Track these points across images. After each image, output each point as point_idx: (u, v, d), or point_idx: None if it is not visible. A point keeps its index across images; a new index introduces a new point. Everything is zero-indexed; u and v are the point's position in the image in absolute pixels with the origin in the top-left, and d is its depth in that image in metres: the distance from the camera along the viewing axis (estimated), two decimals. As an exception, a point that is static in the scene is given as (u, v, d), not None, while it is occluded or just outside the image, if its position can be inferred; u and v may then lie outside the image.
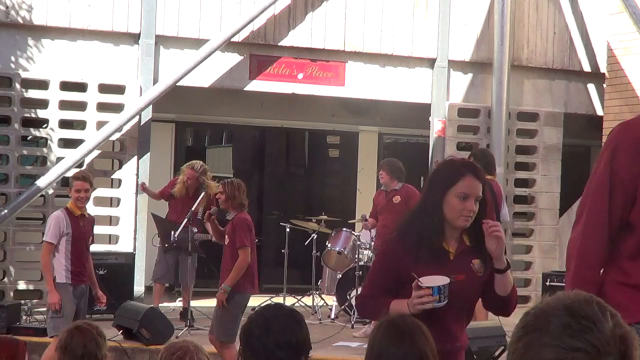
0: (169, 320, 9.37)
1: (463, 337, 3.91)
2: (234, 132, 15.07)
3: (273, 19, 11.59)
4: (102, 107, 11.10)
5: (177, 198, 10.38)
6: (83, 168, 10.87)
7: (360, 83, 12.08)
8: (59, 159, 10.77)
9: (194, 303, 10.25)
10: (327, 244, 10.90)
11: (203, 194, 9.85)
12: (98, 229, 10.97)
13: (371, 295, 3.86)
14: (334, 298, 10.96)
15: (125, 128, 11.01)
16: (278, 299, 10.76)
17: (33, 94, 10.86)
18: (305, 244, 11.16)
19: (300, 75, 11.84)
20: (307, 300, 11.23)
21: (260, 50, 11.71)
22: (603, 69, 12.58)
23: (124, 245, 11.02)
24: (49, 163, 10.88)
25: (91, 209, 10.89)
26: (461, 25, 12.32)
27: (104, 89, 11.07)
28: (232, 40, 11.22)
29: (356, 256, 10.54)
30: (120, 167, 11.23)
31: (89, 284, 7.76)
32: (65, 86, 10.95)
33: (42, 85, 10.88)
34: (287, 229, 11.12)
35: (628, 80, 11.82)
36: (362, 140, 14.61)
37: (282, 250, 11.17)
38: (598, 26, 12.67)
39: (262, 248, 13.09)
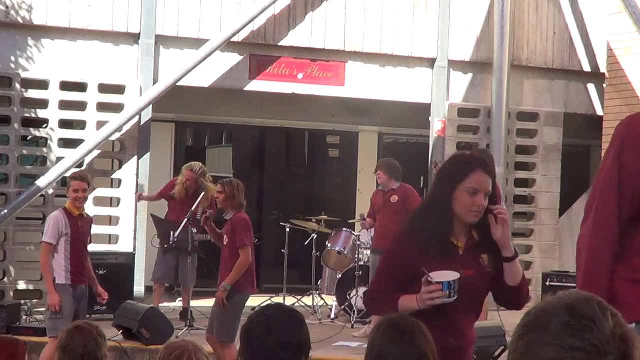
0: (169, 320, 9.37)
1: (472, 333, 3.87)
2: (234, 132, 15.07)
3: (273, 19, 11.59)
4: (102, 107, 11.10)
5: (177, 199, 10.39)
6: (83, 168, 10.88)
7: (360, 83, 12.08)
8: (59, 159, 10.77)
9: (194, 303, 10.25)
10: (327, 244, 10.90)
11: (203, 194, 9.85)
12: (98, 229, 11.01)
13: (380, 291, 3.83)
14: (334, 298, 10.96)
15: (125, 128, 11.01)
16: (278, 299, 10.76)
17: (33, 94, 10.86)
18: (305, 244, 11.17)
19: (300, 75, 11.84)
20: (307, 300, 11.23)
21: (260, 50, 11.71)
22: (603, 69, 12.58)
23: (124, 245, 11.02)
24: (49, 163, 10.87)
25: (91, 209, 10.92)
26: (461, 25, 12.32)
27: (104, 89, 11.07)
28: (232, 40, 11.21)
29: (356, 256, 10.55)
30: (120, 167, 11.23)
31: (89, 282, 7.76)
32: (65, 86, 10.95)
33: (42, 85, 10.88)
34: (287, 229, 11.13)
35: (628, 80, 11.82)
36: (362, 140, 14.61)
37: (282, 250, 11.17)
38: (598, 26, 12.68)
39: (262, 248, 13.11)
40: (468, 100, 12.53)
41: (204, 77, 11.43)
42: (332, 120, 14.23)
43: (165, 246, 10.19)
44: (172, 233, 9.84)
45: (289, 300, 10.83)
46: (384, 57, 12.10)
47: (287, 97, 12.28)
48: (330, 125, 14.51)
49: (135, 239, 11.04)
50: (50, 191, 10.82)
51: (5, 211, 10.43)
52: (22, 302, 9.96)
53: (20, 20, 10.73)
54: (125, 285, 10.23)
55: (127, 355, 8.86)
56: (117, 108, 11.02)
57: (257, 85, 11.74)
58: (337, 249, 10.80)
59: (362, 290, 10.47)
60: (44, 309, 7.92)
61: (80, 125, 11.19)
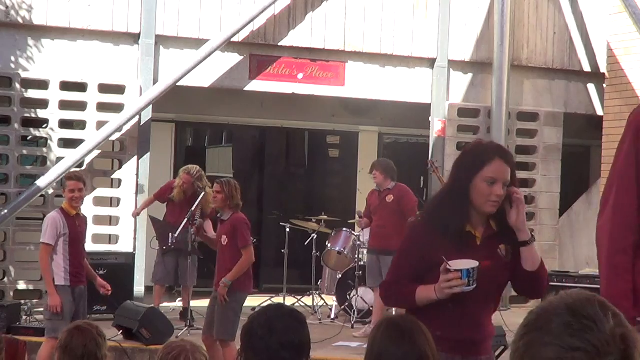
0: (169, 320, 9.38)
1: (490, 326, 3.80)
2: (234, 132, 15.07)
3: (273, 19, 11.59)
4: (102, 107, 11.10)
5: (176, 201, 10.41)
6: (83, 168, 10.89)
7: (360, 83, 12.08)
8: (59, 159, 10.77)
9: (194, 303, 10.25)
10: (327, 244, 10.90)
11: (202, 195, 9.85)
12: (98, 229, 11.05)
13: (396, 282, 3.76)
14: (334, 298, 10.97)
15: (125, 128, 11.01)
16: (278, 299, 10.77)
17: (33, 94, 10.86)
18: (305, 244, 11.17)
19: (300, 75, 11.84)
20: (307, 300, 11.24)
21: (260, 50, 11.71)
22: (603, 69, 12.58)
23: (124, 245, 11.02)
24: (49, 163, 10.88)
25: (91, 209, 10.94)
26: (461, 25, 12.32)
27: (104, 89, 11.07)
28: (232, 40, 11.21)
29: (356, 256, 10.55)
30: (120, 167, 11.23)
31: (89, 278, 7.74)
32: (65, 86, 10.95)
33: (42, 85, 10.87)
34: (287, 229, 11.13)
35: (628, 80, 11.82)
36: (362, 140, 14.62)
37: (282, 250, 11.17)
38: (598, 26, 12.68)
39: (262, 248, 13.11)
40: (468, 100, 12.53)
41: (204, 77, 11.43)
42: (332, 120, 14.23)
43: (164, 248, 10.20)
44: (170, 234, 9.85)
45: (289, 300, 10.83)
46: (384, 57, 12.10)
47: (287, 97, 12.28)
48: (330, 125, 14.51)
49: (135, 239, 11.04)
50: (50, 191, 10.82)
51: (5, 211, 10.43)
52: (22, 302, 9.96)
53: (20, 20, 10.73)
54: (125, 285, 10.23)
55: (127, 355, 8.86)
56: (117, 108, 11.02)
57: (257, 85, 11.74)
58: (337, 249, 10.80)
59: (362, 290, 10.48)
60: (43, 309, 7.90)
61: (80, 125, 11.19)
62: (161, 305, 10.20)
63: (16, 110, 10.75)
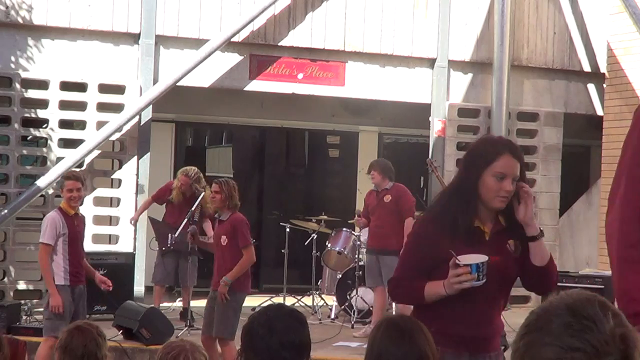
0: (169, 320, 9.38)
1: (499, 322, 3.76)
2: (234, 132, 15.07)
3: (273, 19, 11.59)
4: (102, 107, 11.10)
5: (175, 203, 10.42)
6: (83, 168, 10.89)
7: (360, 83, 12.08)
8: (59, 159, 10.77)
9: (194, 303, 10.25)
10: (327, 244, 10.90)
11: (202, 195, 9.85)
12: (98, 229, 11.05)
13: (404, 278, 3.71)
14: (334, 298, 10.97)
15: (125, 128, 11.01)
16: (278, 299, 10.77)
17: (33, 94, 10.86)
18: (305, 244, 11.17)
19: (300, 75, 11.84)
20: (307, 300, 11.24)
21: (260, 50, 11.71)
22: (603, 69, 12.58)
23: (124, 245, 11.02)
24: (49, 163, 10.88)
25: (91, 209, 10.95)
26: (461, 25, 12.32)
27: (104, 89, 11.07)
28: (232, 40, 11.21)
29: (356, 256, 10.55)
30: (120, 167, 11.23)
31: (88, 275, 7.72)
32: (65, 86, 10.95)
33: (42, 85, 10.88)
34: (287, 229, 11.13)
35: (628, 80, 11.82)
36: (362, 140, 14.62)
37: (282, 250, 11.17)
38: (598, 26, 12.67)
39: (262, 248, 13.11)
40: (468, 100, 12.53)
41: (204, 77, 11.43)
42: (332, 120, 14.23)
43: (163, 249, 10.21)
44: (170, 235, 9.85)
45: (289, 300, 10.83)
46: (384, 57, 12.10)
47: (287, 97, 12.28)
48: (330, 125, 14.51)
49: (135, 239, 11.04)
50: (50, 191, 10.81)
51: (5, 211, 10.43)
52: (22, 302, 9.96)
53: (20, 20, 10.73)
54: (125, 285, 10.22)
55: (127, 355, 8.86)
56: (117, 108, 11.02)
57: (257, 85, 11.74)
58: (337, 249, 10.80)
59: (362, 290, 10.48)
60: (42, 309, 7.89)
61: (80, 125, 11.19)
62: (161, 305, 10.20)
63: (16, 110, 10.75)
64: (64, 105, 10.93)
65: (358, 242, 10.61)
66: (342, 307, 10.77)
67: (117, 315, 9.31)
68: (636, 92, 11.66)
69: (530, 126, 12.79)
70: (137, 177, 11.13)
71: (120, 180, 11.23)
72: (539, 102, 12.85)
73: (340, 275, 10.85)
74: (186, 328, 9.45)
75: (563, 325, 1.53)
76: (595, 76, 12.85)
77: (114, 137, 11.09)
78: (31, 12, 10.74)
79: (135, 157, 11.16)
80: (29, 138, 11.44)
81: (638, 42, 11.47)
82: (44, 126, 11.07)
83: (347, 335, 9.82)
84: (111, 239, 11.30)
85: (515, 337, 1.61)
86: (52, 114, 10.88)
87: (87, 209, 10.93)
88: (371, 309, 10.17)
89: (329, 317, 10.83)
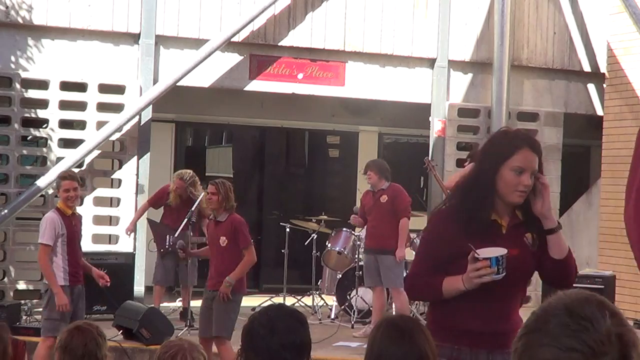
0: (169, 320, 9.38)
1: (517, 317, 3.69)
2: (234, 132, 15.07)
3: (273, 19, 11.59)
4: (102, 107, 11.10)
5: (173, 206, 10.43)
6: (83, 168, 10.89)
7: (360, 83, 12.08)
8: (59, 159, 10.77)
9: (194, 303, 10.24)
10: (327, 244, 10.90)
11: (202, 195, 9.85)
12: (98, 229, 11.05)
13: (421, 275, 3.66)
14: (334, 298, 10.97)
15: (125, 128, 11.01)
16: (278, 299, 10.77)
17: (33, 94, 10.86)
18: (305, 244, 11.17)
19: (300, 75, 11.84)
20: (307, 300, 11.24)
21: (260, 50, 11.71)
22: (603, 69, 12.57)
23: (124, 245, 11.01)
24: (49, 163, 10.87)
25: (91, 209, 10.95)
26: (461, 25, 12.32)
27: (104, 89, 11.07)
28: (232, 40, 11.21)
29: (356, 256, 10.55)
30: (120, 167, 11.23)
31: (85, 271, 7.71)
32: (65, 86, 10.95)
33: (42, 85, 10.87)
34: (287, 229, 11.13)
35: (628, 80, 11.81)
36: (362, 140, 14.62)
37: (282, 250, 11.17)
38: (598, 26, 12.67)
39: (262, 248, 13.11)
40: (468, 100, 12.53)
41: (204, 77, 11.43)
42: (332, 120, 14.23)
43: (162, 250, 10.21)
44: (168, 237, 9.85)
45: (289, 300, 10.83)
46: (384, 57, 12.10)
47: (287, 97, 12.28)
48: (330, 125, 14.51)
49: (135, 239, 11.04)
50: (50, 191, 10.81)
51: (5, 211, 10.43)
52: (22, 302, 9.96)
53: (20, 20, 10.73)
54: (125, 285, 10.22)
55: (127, 355, 8.86)
56: (117, 108, 11.02)
57: (257, 85, 11.74)
58: (337, 249, 10.80)
59: (362, 290, 10.48)
60: (41, 309, 7.88)
61: (80, 125, 11.18)
62: (161, 305, 10.20)
63: (16, 110, 10.75)
64: (64, 105, 10.93)
65: (358, 242, 10.61)
66: (342, 307, 10.77)
67: (117, 315, 9.31)
68: (636, 92, 11.65)
69: (530, 126, 12.78)
70: (137, 177, 11.13)
71: (120, 180, 11.23)
72: (539, 102, 12.85)
73: (340, 275, 10.85)
74: (186, 328, 9.45)
75: (560, 325, 1.53)
76: (595, 76, 12.84)
77: (114, 137, 11.09)
78: (31, 12, 10.74)
79: (135, 157, 11.15)
80: (29, 138, 11.44)
81: (638, 42, 11.47)
82: (44, 126, 11.07)
83: (347, 335, 9.82)
84: (111, 239, 11.30)
85: (515, 337, 1.61)
86: (52, 114, 10.88)
87: (87, 209, 10.93)
88: (371, 308, 10.17)
89: (329, 317, 10.83)
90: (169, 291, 11.71)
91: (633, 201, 3.35)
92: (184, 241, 9.60)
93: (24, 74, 10.76)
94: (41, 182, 10.51)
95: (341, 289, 10.80)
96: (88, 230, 10.82)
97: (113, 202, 11.51)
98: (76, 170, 10.44)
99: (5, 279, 10.78)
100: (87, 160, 11.00)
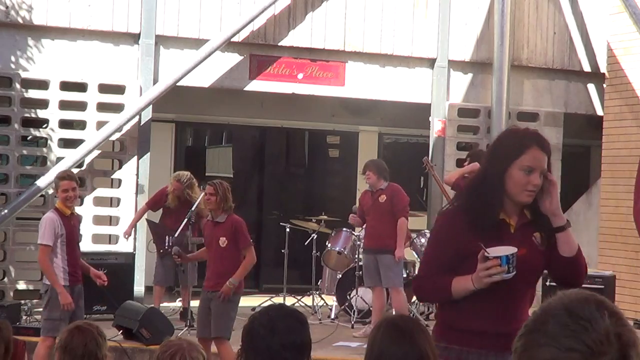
0: (169, 320, 9.38)
1: (526, 318, 3.67)
2: (234, 132, 15.07)
3: (273, 19, 11.59)
4: (102, 107, 11.10)
5: (172, 207, 10.43)
6: (83, 168, 10.89)
7: (360, 83, 12.08)
8: (59, 159, 10.77)
9: (194, 303, 10.24)
10: (327, 244, 10.90)
11: (202, 195, 9.84)
12: (98, 229, 11.05)
13: (429, 275, 3.63)
14: (334, 298, 10.97)
15: (125, 128, 11.01)
16: (278, 299, 10.77)
17: (33, 94, 10.86)
18: (305, 244, 11.17)
19: (300, 75, 11.84)
20: (307, 300, 11.24)
21: (260, 50, 11.71)
22: (603, 69, 12.57)
23: (124, 246, 11.01)
24: (49, 163, 10.88)
25: (91, 209, 10.96)
26: (461, 25, 12.32)
27: (104, 89, 11.07)
28: (232, 40, 11.21)
29: (356, 256, 10.55)
30: (120, 167, 11.23)
31: (83, 271, 7.71)
32: (65, 86, 10.95)
33: (42, 85, 10.87)
34: (287, 229, 11.13)
35: (628, 80, 11.81)
36: (362, 140, 14.62)
37: (282, 250, 11.17)
38: (598, 26, 12.67)
39: (262, 248, 13.11)
40: (468, 100, 12.53)
41: (204, 77, 11.43)
42: (332, 120, 14.23)
43: (161, 251, 10.21)
44: (167, 237, 9.85)
45: (289, 300, 10.83)
46: (384, 57, 12.10)
47: (287, 97, 12.28)
48: (330, 125, 14.51)
49: (135, 239, 11.04)
50: (50, 191, 10.80)
51: (5, 211, 10.43)
52: (22, 302, 9.96)
53: (20, 20, 10.73)
54: (125, 285, 10.22)
55: (127, 355, 8.86)
56: (117, 108, 11.02)
57: (257, 85, 11.74)
58: (337, 249, 10.80)
59: (362, 290, 10.48)
60: (41, 309, 7.88)
61: (80, 125, 11.19)
62: (161, 305, 10.20)
63: (16, 110, 10.75)
64: (64, 105, 10.93)
65: (358, 242, 10.61)
66: (342, 307, 10.77)
67: (117, 315, 9.31)
68: (636, 92, 11.66)
69: (530, 126, 12.76)
70: (137, 177, 11.13)
71: (120, 180, 11.23)
72: (539, 102, 12.85)
73: (340, 275, 10.85)
74: (186, 328, 9.44)
75: (559, 325, 1.54)
76: (595, 76, 12.84)
77: (114, 137, 11.09)
78: (31, 12, 10.74)
79: (135, 157, 11.16)
80: (29, 138, 11.44)
81: (638, 42, 11.47)
82: (44, 126, 11.08)
83: (347, 335, 9.82)
84: (111, 239, 11.30)
85: (515, 338, 1.62)
86: (52, 114, 10.88)
87: (87, 209, 10.94)
88: (371, 309, 10.17)
89: (329, 317, 10.83)
90: (169, 291, 11.71)
91: None
92: (184, 241, 9.62)
93: (24, 74, 10.76)
94: (41, 182, 10.51)
95: (341, 289, 10.80)
96: (88, 230, 10.84)
97: (113, 202, 11.51)
98: (76, 170, 10.44)
99: (5, 279, 10.78)
100: (87, 160, 11.01)
